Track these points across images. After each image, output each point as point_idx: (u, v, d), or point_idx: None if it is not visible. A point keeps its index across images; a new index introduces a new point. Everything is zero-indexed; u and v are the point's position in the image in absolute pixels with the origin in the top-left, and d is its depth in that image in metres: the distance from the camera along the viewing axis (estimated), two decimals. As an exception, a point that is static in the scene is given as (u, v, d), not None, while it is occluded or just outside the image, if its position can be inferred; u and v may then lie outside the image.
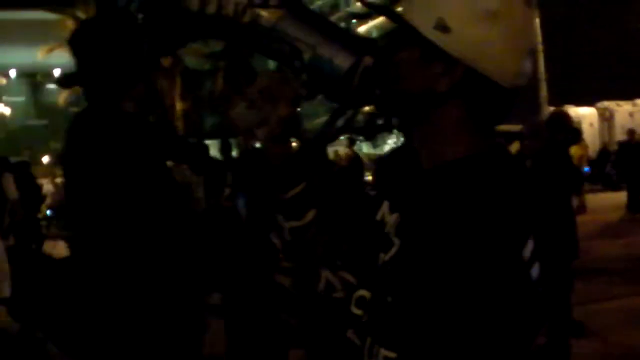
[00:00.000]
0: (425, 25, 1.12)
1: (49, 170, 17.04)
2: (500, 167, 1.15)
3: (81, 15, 22.57)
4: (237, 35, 1.35)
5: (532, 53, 1.18)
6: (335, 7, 52.67)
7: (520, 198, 1.11)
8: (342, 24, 53.87)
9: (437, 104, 1.13)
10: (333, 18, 53.53)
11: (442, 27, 1.10)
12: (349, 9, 49.48)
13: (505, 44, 1.11)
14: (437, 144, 1.16)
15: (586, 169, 14.11)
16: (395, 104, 1.21)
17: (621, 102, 22.28)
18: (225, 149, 11.06)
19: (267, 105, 1.27)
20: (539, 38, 29.18)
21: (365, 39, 1.37)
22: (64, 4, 22.43)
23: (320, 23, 1.35)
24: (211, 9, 1.30)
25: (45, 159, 23.70)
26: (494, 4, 1.09)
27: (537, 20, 30.33)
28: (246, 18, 1.30)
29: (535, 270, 1.08)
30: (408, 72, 1.16)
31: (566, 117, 6.05)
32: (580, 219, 5.66)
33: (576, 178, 6.20)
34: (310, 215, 1.28)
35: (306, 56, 1.29)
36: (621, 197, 14.26)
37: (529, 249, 1.07)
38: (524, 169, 1.25)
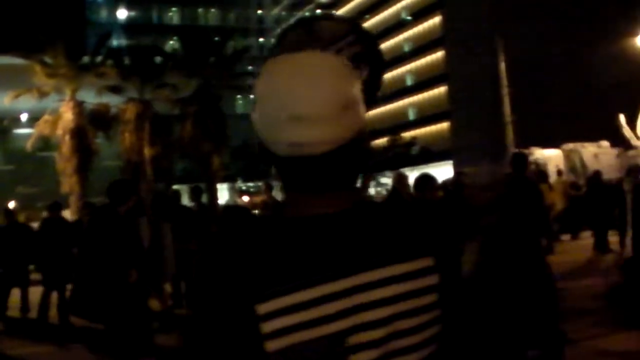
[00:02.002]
0: None
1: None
2: (282, 230, 1.20)
3: (49, 60, 22.52)
4: None
5: (297, 119, 1.13)
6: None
7: (281, 259, 1.15)
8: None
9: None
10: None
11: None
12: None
13: (261, 118, 1.19)
14: None
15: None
16: None
17: (586, 144, 22.61)
18: (195, 193, 11.02)
19: None
20: (505, 82, 29.80)
21: None
22: (31, 50, 22.37)
23: None
24: None
25: (12, 204, 23.32)
26: (256, 89, 1.21)
27: (503, 65, 30.72)
28: None
29: (271, 325, 1.12)
30: None
31: None
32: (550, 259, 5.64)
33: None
34: None
35: None
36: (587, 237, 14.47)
37: (270, 305, 1.12)
38: (325, 235, 1.19)
